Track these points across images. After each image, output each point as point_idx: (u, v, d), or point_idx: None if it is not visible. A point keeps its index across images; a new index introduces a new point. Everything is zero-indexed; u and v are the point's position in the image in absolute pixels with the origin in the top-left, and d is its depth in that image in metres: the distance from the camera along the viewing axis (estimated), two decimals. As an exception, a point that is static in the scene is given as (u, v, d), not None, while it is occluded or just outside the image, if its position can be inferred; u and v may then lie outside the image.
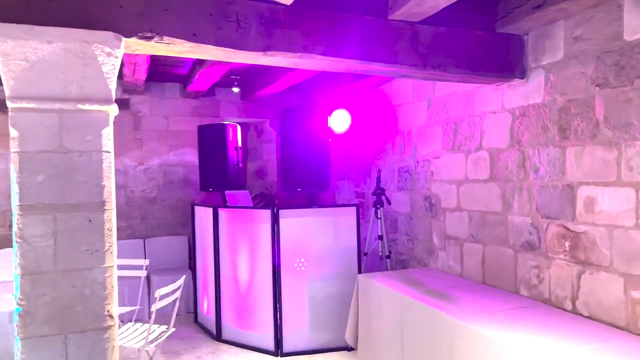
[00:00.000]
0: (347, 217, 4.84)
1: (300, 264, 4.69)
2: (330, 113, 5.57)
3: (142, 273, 4.71)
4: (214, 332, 5.20)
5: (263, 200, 6.92)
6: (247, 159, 7.76)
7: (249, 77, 6.10)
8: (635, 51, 2.71)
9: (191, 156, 6.77)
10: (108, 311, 2.54)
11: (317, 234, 4.78)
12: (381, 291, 3.89)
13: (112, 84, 2.54)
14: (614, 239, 2.83)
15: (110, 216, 2.56)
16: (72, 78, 2.43)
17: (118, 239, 6.31)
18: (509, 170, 3.60)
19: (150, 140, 6.67)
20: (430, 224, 4.58)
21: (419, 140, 4.74)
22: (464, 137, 4.09)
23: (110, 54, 2.50)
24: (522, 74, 3.45)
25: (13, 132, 2.36)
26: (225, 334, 5.12)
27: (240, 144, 5.89)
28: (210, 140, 5.75)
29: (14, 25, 2.30)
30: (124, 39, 2.56)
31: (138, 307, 4.57)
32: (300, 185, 5.05)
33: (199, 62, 5.11)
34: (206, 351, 4.90)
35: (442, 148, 4.37)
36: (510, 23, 3.32)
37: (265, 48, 2.86)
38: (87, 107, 2.46)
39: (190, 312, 6.08)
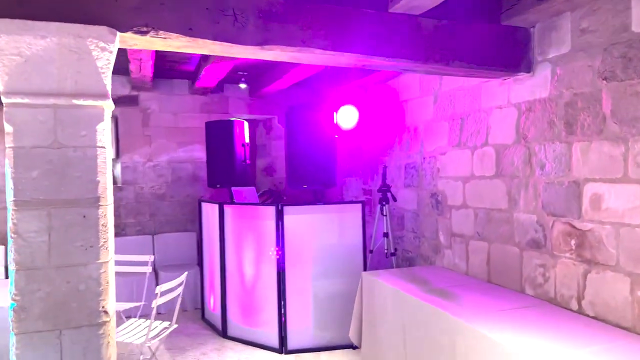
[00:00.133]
0: (352, 214, 4.79)
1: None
2: (337, 109, 5.53)
3: (147, 269, 4.71)
4: (220, 328, 5.20)
5: (271, 197, 6.90)
6: (256, 155, 7.75)
7: (256, 73, 6.07)
8: (644, 43, 2.63)
9: (200, 152, 6.76)
10: (103, 307, 2.53)
11: (322, 231, 4.74)
12: (385, 289, 3.84)
13: (107, 79, 2.52)
14: (621, 238, 2.74)
15: (106, 212, 2.54)
16: (67, 73, 2.42)
17: (127, 235, 6.43)
18: (515, 167, 3.52)
19: (159, 137, 6.69)
20: (437, 221, 4.51)
21: (425, 136, 4.67)
22: (470, 132, 4.01)
23: (105, 49, 2.48)
24: (528, 68, 3.37)
25: (8, 128, 2.35)
26: (231, 331, 5.11)
27: (247, 141, 5.86)
28: (218, 136, 5.73)
29: (8, 20, 2.30)
30: (119, 33, 2.54)
31: (143, 303, 4.57)
32: (306, 182, 5.01)
33: (204, 58, 5.10)
34: (211, 347, 4.89)
35: (449, 144, 4.30)
36: (515, 15, 3.23)
37: (263, 42, 2.83)
38: (81, 102, 2.45)
39: (197, 308, 6.08)
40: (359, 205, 4.81)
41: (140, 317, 4.50)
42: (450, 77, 4.11)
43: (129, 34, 2.59)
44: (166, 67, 5.82)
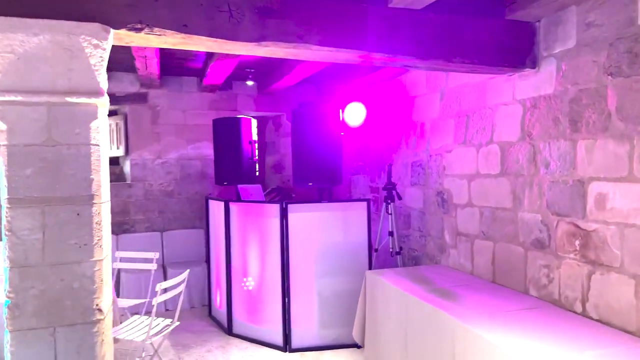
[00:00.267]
0: (357, 212, 4.75)
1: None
2: (344, 106, 5.48)
3: (153, 266, 4.73)
4: (226, 326, 5.20)
5: (279, 195, 6.88)
6: (265, 152, 7.74)
7: (264, 70, 6.04)
8: (650, 37, 2.53)
9: (208, 150, 6.76)
10: (97, 305, 2.53)
11: (327, 229, 4.71)
12: (387, 288, 3.79)
13: (101, 76, 2.51)
14: (625, 238, 2.66)
15: (100, 210, 2.54)
16: (60, 71, 2.42)
17: (136, 231, 6.46)
18: (520, 165, 3.44)
19: (168, 134, 6.70)
20: (442, 220, 4.44)
21: (431, 134, 4.59)
22: (475, 130, 3.93)
23: (98, 46, 2.48)
24: (534, 64, 3.28)
25: (1, 126, 2.36)
26: (236, 328, 5.10)
27: (254, 138, 5.84)
28: (225, 134, 5.73)
29: (1, 17, 2.30)
30: (113, 30, 2.53)
31: (148, 300, 4.58)
32: (312, 179, 4.98)
33: (210, 56, 5.09)
34: (216, 345, 4.90)
35: (454, 141, 4.22)
36: (520, 9, 3.15)
37: (259, 38, 2.79)
38: (74, 100, 2.45)
39: (204, 305, 6.10)
40: (364, 204, 4.76)
41: (146, 313, 4.51)
42: (457, 73, 4.03)
43: (123, 31, 2.58)
44: (174, 64, 5.82)
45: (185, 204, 6.80)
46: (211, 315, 5.77)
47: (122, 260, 4.96)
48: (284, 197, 6.80)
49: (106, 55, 2.51)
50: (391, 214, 4.61)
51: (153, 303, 3.55)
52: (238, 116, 5.86)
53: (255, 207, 5.00)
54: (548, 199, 3.20)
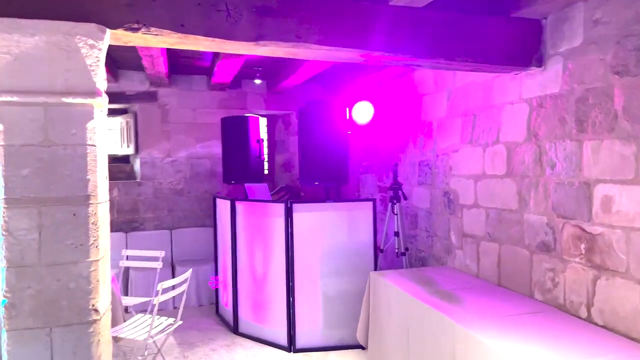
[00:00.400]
0: (363, 212, 4.70)
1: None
2: (350, 105, 5.43)
3: (158, 265, 4.74)
4: (232, 324, 5.20)
5: (288, 193, 6.86)
6: (275, 151, 7.73)
7: (272, 68, 6.02)
8: (658, 35, 2.45)
9: (217, 148, 6.76)
10: (93, 305, 2.53)
11: (332, 229, 4.67)
12: (390, 290, 3.74)
13: (97, 77, 2.50)
14: (632, 243, 2.57)
15: (96, 210, 2.53)
16: (56, 71, 2.41)
17: (145, 229, 6.50)
18: (526, 166, 3.36)
19: (177, 133, 6.73)
20: (449, 220, 4.38)
21: (438, 133, 4.53)
22: (482, 129, 3.86)
23: (94, 46, 2.47)
24: (540, 62, 3.20)
25: (-2, 126, 2.37)
26: (242, 327, 5.10)
27: (261, 137, 5.83)
28: (233, 132, 5.72)
29: (-3, 18, 2.31)
30: (109, 30, 2.53)
31: (152, 298, 4.59)
32: (319, 178, 4.95)
33: (216, 54, 5.08)
34: (222, 344, 4.90)
35: (461, 141, 4.15)
36: (526, 6, 3.07)
37: (257, 38, 2.76)
38: (71, 100, 2.44)
39: (212, 303, 6.11)
40: (370, 203, 4.71)
41: (152, 312, 4.52)
42: (464, 72, 3.96)
43: (120, 31, 2.57)
44: (181, 63, 5.83)
45: (194, 202, 6.82)
46: (218, 313, 5.78)
47: (130, 258, 4.99)
48: (292, 195, 6.77)
49: (102, 56, 2.50)
50: (397, 214, 4.56)
51: (154, 302, 3.55)
52: (246, 115, 5.85)
53: (261, 206, 4.98)
54: (554, 201, 3.12)
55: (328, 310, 4.64)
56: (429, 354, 3.15)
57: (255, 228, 4.97)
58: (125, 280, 5.90)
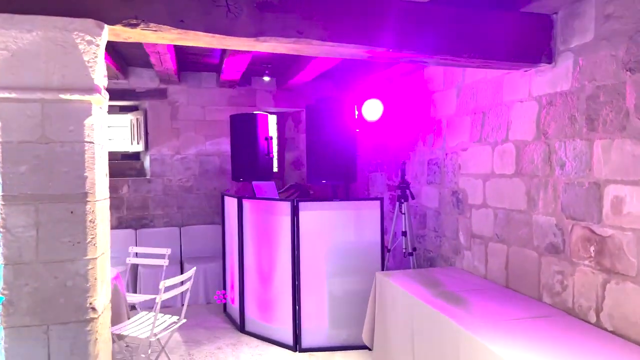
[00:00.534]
0: (370, 211, 4.63)
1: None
2: (360, 102, 5.37)
3: (164, 262, 4.74)
4: (239, 323, 5.18)
5: (297, 192, 6.82)
6: (285, 149, 7.69)
7: (281, 65, 5.98)
8: (673, 29, 2.34)
9: (226, 146, 6.74)
10: (90, 304, 2.51)
11: (339, 228, 4.61)
12: (395, 291, 3.68)
13: (95, 73, 2.48)
14: (642, 246, 2.48)
15: (94, 208, 2.51)
16: (54, 67, 2.39)
17: (155, 226, 6.50)
18: (535, 165, 3.27)
19: (187, 130, 6.72)
20: (457, 220, 4.29)
21: (448, 131, 4.44)
22: (491, 127, 3.77)
23: (91, 42, 2.44)
24: (550, 58, 3.10)
25: (-4, 123, 2.35)
26: (248, 326, 5.08)
27: (270, 134, 5.79)
28: (241, 129, 5.69)
29: (-6, 14, 2.29)
30: (107, 26, 2.50)
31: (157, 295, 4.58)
32: (326, 177, 4.89)
33: (224, 51, 5.05)
34: (227, 342, 4.87)
35: (470, 139, 4.07)
36: (536, 0, 2.98)
37: (258, 33, 2.72)
38: (68, 96, 2.42)
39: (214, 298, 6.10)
40: (378, 202, 4.64)
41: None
42: (473, 69, 3.88)
43: (119, 27, 2.54)
44: (190, 60, 5.82)
45: (203, 199, 6.81)
46: (226, 311, 5.76)
47: (139, 255, 5.00)
48: (302, 194, 6.73)
49: (100, 52, 2.48)
50: (404, 213, 4.48)
51: (157, 300, 3.53)
52: (254, 112, 5.82)
53: (267, 204, 4.95)
54: (563, 202, 3.02)
55: (334, 310, 4.59)
56: (433, 357, 3.08)
57: (261, 226, 4.93)
58: (134, 277, 5.92)
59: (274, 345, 4.73)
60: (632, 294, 2.54)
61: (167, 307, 5.56)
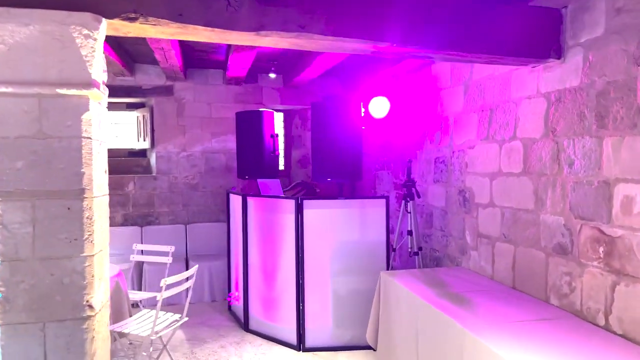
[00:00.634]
0: (375, 210, 4.57)
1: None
2: (366, 99, 5.30)
3: (168, 259, 4.71)
4: (243, 321, 5.14)
5: (304, 190, 6.76)
6: (291, 147, 7.64)
7: (287, 61, 5.92)
8: (686, 23, 2.26)
9: (232, 143, 6.70)
10: (87, 301, 2.47)
11: (344, 227, 4.55)
12: (400, 291, 3.61)
13: (93, 68, 2.44)
14: (653, 247, 2.40)
15: (91, 204, 2.48)
16: (51, 62, 2.36)
17: (160, 224, 6.48)
18: (543, 163, 3.19)
19: (193, 127, 6.70)
20: (464, 220, 4.21)
21: (455, 128, 4.36)
22: (498, 125, 3.69)
23: (89, 36, 2.40)
24: (559, 54, 3.02)
25: (-8, 117, 2.33)
26: (252, 325, 5.04)
27: (276, 131, 5.74)
28: (247, 127, 5.65)
29: (-10, 8, 2.26)
30: (105, 20, 2.46)
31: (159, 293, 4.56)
32: (332, 174, 4.83)
33: (229, 47, 5.01)
34: (231, 341, 4.84)
35: (477, 137, 3.99)
36: (545, -6, 2.91)
37: (259, 28, 2.66)
38: (65, 91, 2.38)
39: (225, 299, 6.06)
40: (383, 201, 4.57)
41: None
42: (481, 64, 3.80)
43: (117, 21, 2.50)
44: (196, 56, 5.78)
45: (209, 197, 6.79)
46: (231, 310, 5.73)
47: (144, 253, 4.98)
48: (308, 192, 6.68)
49: (98, 46, 2.44)
50: (410, 212, 4.41)
51: (158, 298, 3.50)
52: (260, 109, 5.77)
53: (271, 202, 4.90)
54: (571, 201, 2.94)
55: (338, 310, 4.53)
56: (437, 358, 3.02)
57: (266, 224, 4.89)
58: (139, 275, 5.91)
59: (278, 345, 4.69)
60: (642, 297, 2.46)
61: (172, 304, 5.55)
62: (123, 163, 6.75)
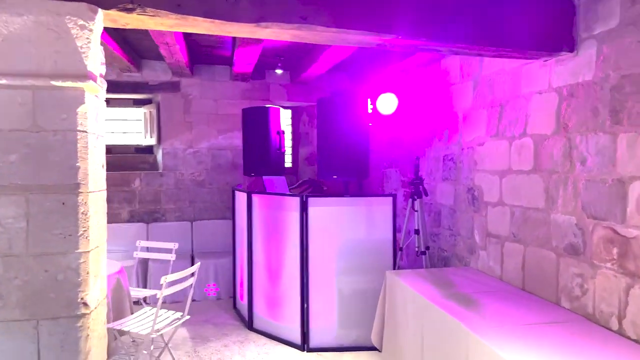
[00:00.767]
0: (382, 208, 4.47)
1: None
2: (374, 95, 5.21)
3: (171, 257, 4.65)
4: (247, 320, 5.08)
5: (310, 187, 6.68)
6: (299, 144, 7.57)
7: (293, 56, 5.84)
8: None
9: (239, 140, 6.63)
10: (82, 299, 2.41)
11: (349, 225, 4.46)
12: (405, 291, 3.52)
13: (88, 59, 2.37)
14: (670, 248, 2.29)
15: (86, 199, 2.41)
16: (45, 53, 2.30)
17: (167, 220, 6.44)
18: (554, 161, 3.08)
19: (199, 123, 6.64)
20: (473, 219, 4.11)
21: (464, 125, 4.26)
22: (508, 121, 3.58)
23: (84, 27, 2.34)
24: (571, 46, 2.91)
25: (-15, 110, 2.27)
26: (257, 323, 4.97)
27: (282, 128, 5.66)
28: (253, 123, 5.58)
29: (-17, -3, 2.21)
30: (102, 11, 2.40)
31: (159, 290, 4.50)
32: (338, 172, 4.73)
33: (235, 41, 4.94)
34: (235, 339, 4.77)
35: (487, 134, 3.88)
36: (557, -15, 2.79)
37: (259, 19, 2.59)
38: (60, 83, 2.32)
39: (231, 297, 6.01)
40: (390, 199, 4.48)
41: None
42: (492, 59, 3.69)
43: (114, 12, 2.44)
44: (202, 52, 5.72)
45: (215, 194, 6.74)
46: (236, 308, 5.67)
47: (148, 249, 4.93)
48: (315, 189, 6.60)
49: (94, 37, 2.37)
50: (417, 210, 4.32)
51: (158, 296, 3.44)
52: (266, 105, 5.70)
53: (276, 199, 4.82)
54: (584, 200, 2.83)
55: (343, 309, 4.45)
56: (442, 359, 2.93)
57: (270, 222, 4.82)
58: (144, 272, 5.87)
59: (282, 344, 4.61)
60: (658, 301, 2.35)
61: (177, 302, 5.50)
62: (129, 159, 6.72)
